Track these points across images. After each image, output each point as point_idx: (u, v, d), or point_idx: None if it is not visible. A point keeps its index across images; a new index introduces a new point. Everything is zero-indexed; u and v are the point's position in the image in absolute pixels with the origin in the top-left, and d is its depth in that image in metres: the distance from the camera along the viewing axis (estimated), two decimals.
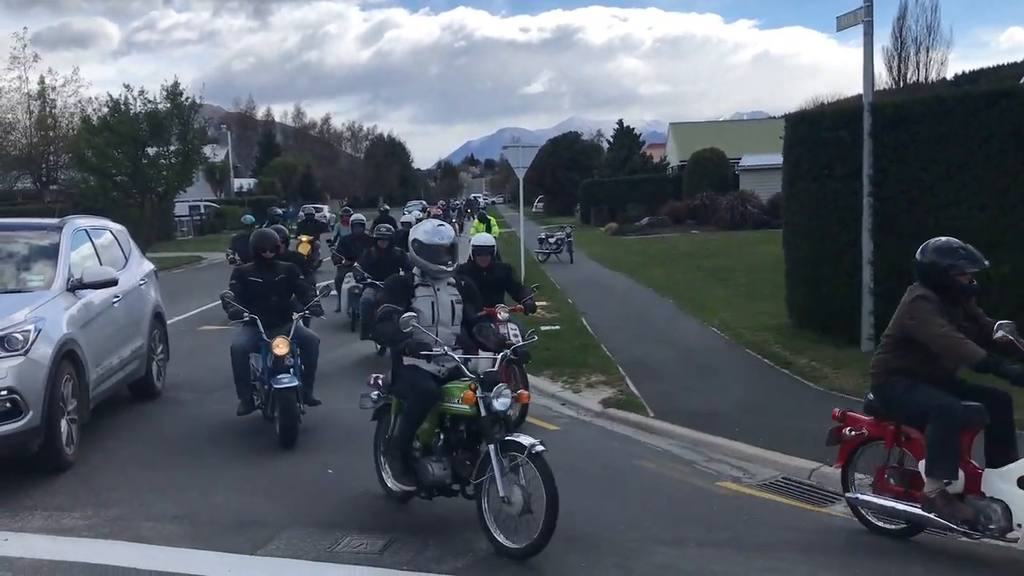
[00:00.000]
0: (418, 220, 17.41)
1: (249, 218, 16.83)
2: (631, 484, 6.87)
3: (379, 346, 11.51)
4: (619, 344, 12.69)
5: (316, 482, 6.71)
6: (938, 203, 10.60)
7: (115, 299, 8.50)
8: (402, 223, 18.39)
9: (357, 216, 16.90)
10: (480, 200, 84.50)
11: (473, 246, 9.60)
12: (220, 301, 8.58)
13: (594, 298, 18.20)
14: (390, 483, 6.10)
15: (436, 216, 25.18)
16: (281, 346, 7.61)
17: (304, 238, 19.66)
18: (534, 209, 68.58)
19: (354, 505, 6.18)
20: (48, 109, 43.41)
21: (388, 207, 24.60)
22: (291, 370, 7.68)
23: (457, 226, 35.73)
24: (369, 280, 11.96)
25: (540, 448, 5.05)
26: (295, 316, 8.17)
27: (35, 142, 43.55)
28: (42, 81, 43.05)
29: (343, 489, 6.55)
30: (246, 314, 8.00)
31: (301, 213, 28.51)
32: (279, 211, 19.40)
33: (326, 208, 58.26)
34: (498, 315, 8.41)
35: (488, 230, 23.47)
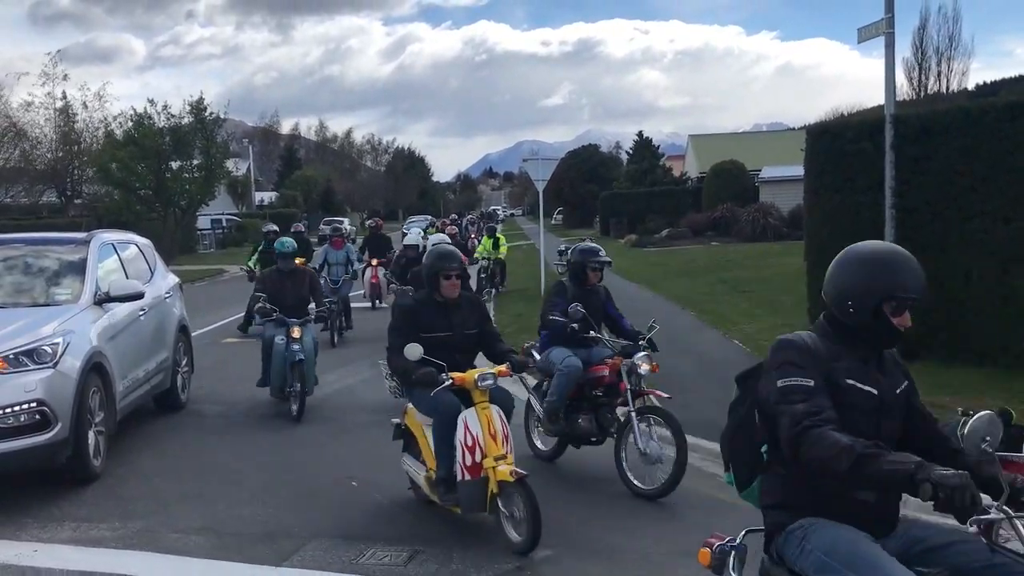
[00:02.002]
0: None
1: (288, 243, 10.80)
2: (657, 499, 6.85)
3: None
4: None
5: (340, 494, 6.74)
6: (962, 215, 10.53)
7: (141, 312, 8.59)
8: (404, 245, 14.14)
9: (412, 234, 13.78)
10: (499, 213, 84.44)
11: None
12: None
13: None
14: None
15: (451, 235, 21.23)
16: None
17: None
18: (553, 221, 68.64)
19: (378, 517, 6.20)
20: (71, 124, 43.98)
21: (376, 222, 18.95)
22: None
23: (476, 242, 34.70)
24: None
25: None
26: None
27: (60, 156, 44.12)
28: (64, 96, 43.71)
29: (368, 501, 6.58)
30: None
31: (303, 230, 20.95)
32: (274, 227, 16.22)
33: (346, 221, 58.48)
34: None
35: (495, 247, 21.88)
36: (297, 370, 9.18)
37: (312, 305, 9.83)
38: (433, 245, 10.14)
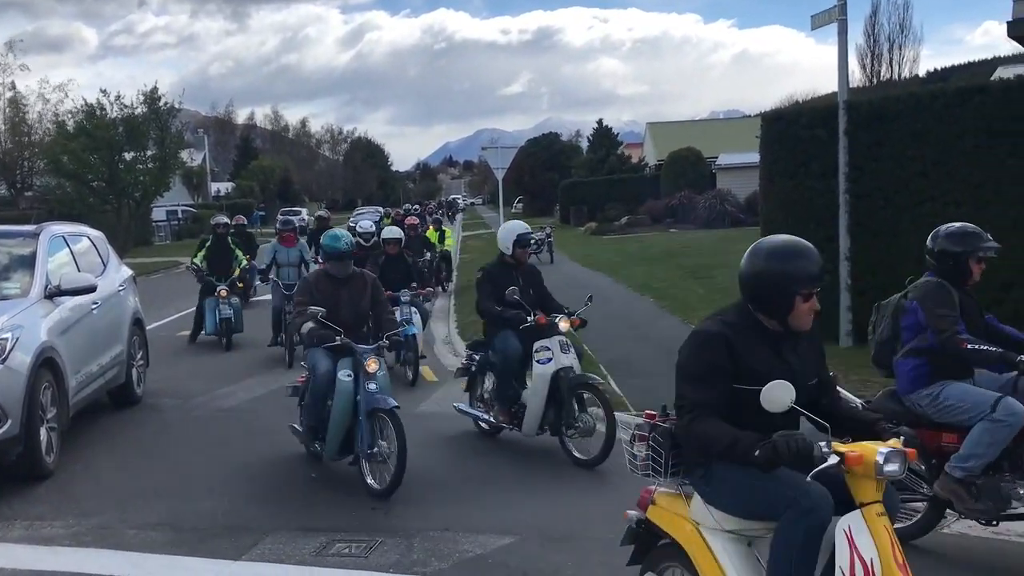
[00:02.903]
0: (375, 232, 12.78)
1: (342, 237, 7.17)
2: (614, 481, 6.89)
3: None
4: (601, 343, 12.71)
5: (299, 487, 6.69)
6: (914, 200, 10.71)
7: (94, 306, 8.44)
8: (383, 240, 11.62)
9: (391, 229, 12.10)
10: (460, 201, 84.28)
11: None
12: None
13: (575, 298, 18.18)
14: None
15: (411, 225, 16.40)
16: None
17: (245, 259, 14.49)
18: (513, 210, 68.68)
19: (338, 509, 6.17)
20: (22, 115, 43.07)
21: (327, 214, 17.52)
22: None
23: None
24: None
25: None
26: None
27: (9, 148, 43.18)
28: (13, 87, 42.78)
29: (327, 493, 6.54)
30: None
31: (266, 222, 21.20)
32: (224, 220, 14.41)
33: (304, 212, 57.97)
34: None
35: (441, 240, 20.49)
36: (380, 424, 6.39)
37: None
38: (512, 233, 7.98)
